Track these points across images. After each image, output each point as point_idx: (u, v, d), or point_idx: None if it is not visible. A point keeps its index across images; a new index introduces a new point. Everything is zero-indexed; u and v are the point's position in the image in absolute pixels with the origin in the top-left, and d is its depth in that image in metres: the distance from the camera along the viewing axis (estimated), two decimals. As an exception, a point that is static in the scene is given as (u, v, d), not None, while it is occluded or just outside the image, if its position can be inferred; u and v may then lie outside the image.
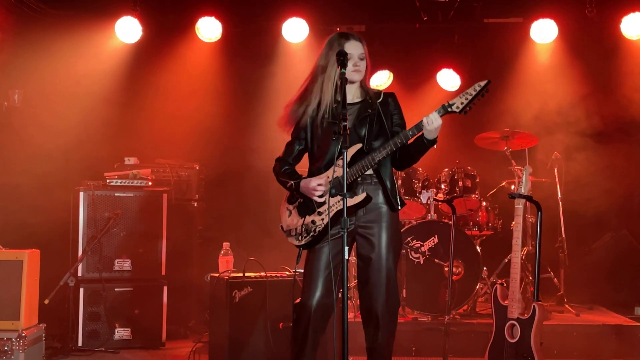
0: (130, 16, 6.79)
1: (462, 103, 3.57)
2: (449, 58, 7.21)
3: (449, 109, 3.58)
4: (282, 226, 3.85)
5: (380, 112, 3.72)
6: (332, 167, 3.62)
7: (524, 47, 7.11)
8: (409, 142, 3.64)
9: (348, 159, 3.63)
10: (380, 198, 3.71)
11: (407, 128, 3.68)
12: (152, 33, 6.97)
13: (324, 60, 3.74)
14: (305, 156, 3.92)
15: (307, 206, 3.73)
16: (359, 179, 3.67)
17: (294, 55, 7.19)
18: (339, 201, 3.62)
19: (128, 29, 6.82)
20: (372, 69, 3.87)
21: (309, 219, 3.71)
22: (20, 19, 6.52)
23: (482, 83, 3.58)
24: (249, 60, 7.25)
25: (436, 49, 7.28)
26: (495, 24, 7.32)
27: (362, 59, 3.72)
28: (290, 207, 3.82)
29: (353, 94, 3.79)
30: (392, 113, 3.76)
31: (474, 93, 3.57)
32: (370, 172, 3.69)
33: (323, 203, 3.64)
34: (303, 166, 3.90)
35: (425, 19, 7.04)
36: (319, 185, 3.64)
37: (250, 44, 7.24)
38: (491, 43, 7.19)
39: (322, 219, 3.64)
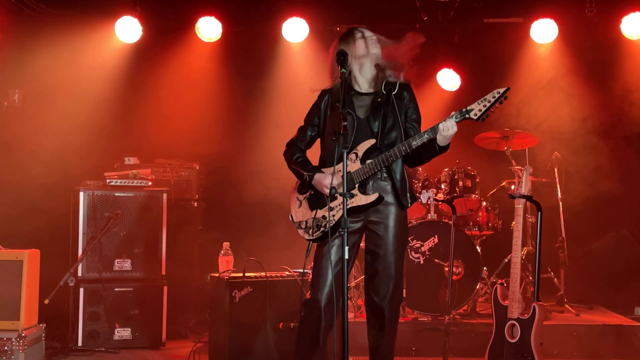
0: (130, 16, 6.79)
1: (480, 110, 3.53)
2: (449, 58, 7.20)
3: (467, 115, 3.54)
4: (291, 216, 3.84)
5: (395, 105, 3.70)
6: (332, 165, 3.61)
7: (524, 47, 7.10)
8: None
9: (361, 154, 3.64)
10: (388, 191, 3.71)
11: (421, 123, 3.69)
12: (152, 33, 6.97)
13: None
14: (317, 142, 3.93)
15: (317, 200, 3.73)
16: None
17: (294, 55, 7.19)
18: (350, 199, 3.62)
19: (128, 29, 6.82)
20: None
21: (320, 213, 3.71)
22: (20, 19, 6.52)
23: (501, 90, 3.53)
24: (249, 60, 7.25)
25: (436, 49, 7.27)
26: (495, 24, 7.31)
27: (373, 42, 3.73)
28: (301, 197, 3.81)
29: (369, 83, 3.79)
30: (407, 107, 3.74)
31: (492, 100, 3.52)
32: None
33: (335, 198, 3.64)
34: (313, 152, 3.90)
35: (425, 19, 7.03)
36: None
37: (250, 44, 7.24)
38: (491, 43, 7.18)
39: (333, 215, 3.63)
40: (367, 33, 3.77)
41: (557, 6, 6.84)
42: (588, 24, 6.78)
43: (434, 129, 3.55)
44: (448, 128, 3.52)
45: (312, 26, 7.03)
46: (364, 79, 3.78)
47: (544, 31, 6.88)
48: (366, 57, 3.74)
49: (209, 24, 6.95)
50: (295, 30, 7.01)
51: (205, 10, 6.93)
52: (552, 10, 6.83)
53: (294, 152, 3.85)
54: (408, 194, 3.74)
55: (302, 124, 3.92)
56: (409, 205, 3.74)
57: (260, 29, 7.19)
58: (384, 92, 3.72)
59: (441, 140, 3.56)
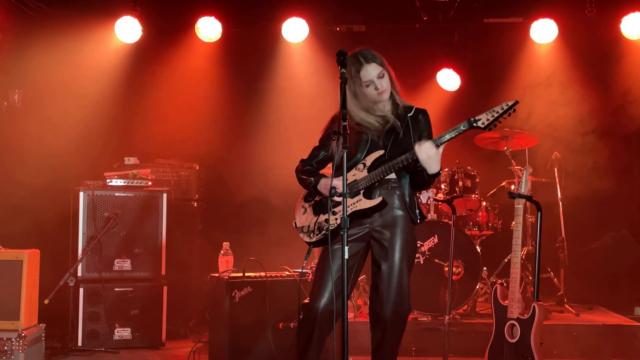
0: (130, 16, 6.79)
1: (487, 120, 3.57)
2: (449, 58, 7.20)
3: (474, 124, 3.58)
4: (295, 223, 3.85)
5: (410, 125, 3.73)
6: (341, 176, 3.59)
7: (524, 47, 7.10)
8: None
9: (369, 164, 3.66)
10: (396, 203, 3.70)
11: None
12: (152, 33, 6.97)
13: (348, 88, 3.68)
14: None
15: (322, 205, 3.74)
16: (376, 183, 3.67)
17: (294, 55, 7.19)
18: (354, 203, 3.63)
19: (128, 29, 6.82)
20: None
21: (322, 217, 3.72)
22: (20, 19, 6.52)
23: (510, 103, 3.58)
24: (249, 60, 7.26)
25: (436, 49, 7.28)
26: (495, 24, 7.31)
27: (381, 77, 3.71)
28: (306, 204, 3.83)
29: (384, 107, 3.80)
30: (422, 130, 3.75)
31: (500, 111, 3.57)
32: (392, 176, 3.68)
33: (339, 203, 3.64)
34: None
35: (425, 19, 7.04)
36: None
37: (250, 44, 7.24)
38: (491, 43, 7.19)
39: (336, 219, 3.63)
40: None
41: (557, 6, 6.84)
42: (588, 24, 6.78)
43: (413, 153, 3.57)
44: (420, 151, 3.51)
45: (312, 26, 7.03)
46: (380, 104, 3.79)
47: (543, 31, 6.89)
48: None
49: (209, 24, 6.95)
50: (295, 30, 7.01)
51: (205, 10, 6.93)
52: (552, 10, 6.83)
53: (305, 165, 3.89)
54: (417, 211, 3.75)
55: (317, 143, 3.92)
56: (418, 220, 3.74)
57: (260, 29, 7.19)
58: (400, 114, 3.75)
59: (425, 165, 3.55)
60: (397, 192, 3.71)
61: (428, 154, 3.54)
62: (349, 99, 3.67)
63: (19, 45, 6.46)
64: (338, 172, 3.58)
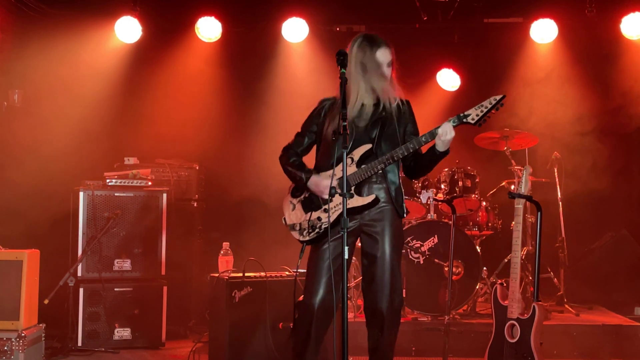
0: (130, 16, 6.80)
1: (477, 115, 3.60)
2: (449, 58, 7.21)
3: (464, 120, 3.60)
4: (284, 219, 3.84)
5: (394, 116, 3.74)
6: (335, 167, 3.60)
7: (524, 47, 7.11)
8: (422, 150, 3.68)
9: (357, 159, 3.66)
10: (383, 196, 3.72)
11: (419, 129, 3.72)
12: (152, 33, 6.97)
13: (355, 61, 3.73)
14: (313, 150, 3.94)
15: (312, 202, 3.74)
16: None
17: (293, 55, 7.20)
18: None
19: (128, 29, 6.83)
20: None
21: (314, 215, 3.72)
22: (20, 19, 6.53)
23: (498, 97, 3.61)
24: (249, 60, 7.26)
25: (436, 49, 7.28)
26: (495, 24, 7.31)
27: (389, 66, 3.77)
28: (295, 201, 3.82)
29: (370, 95, 3.80)
30: (406, 121, 3.78)
31: (489, 106, 3.60)
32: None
33: (330, 200, 3.64)
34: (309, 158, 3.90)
35: (425, 19, 7.04)
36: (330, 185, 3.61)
37: (250, 44, 7.25)
38: (491, 43, 7.19)
39: (329, 217, 3.63)
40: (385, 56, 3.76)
41: (557, 6, 6.84)
42: (588, 24, 6.79)
43: (432, 134, 3.59)
44: (447, 132, 3.56)
45: (312, 26, 7.04)
46: (367, 92, 3.80)
47: (543, 31, 6.89)
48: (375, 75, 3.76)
49: (208, 24, 6.96)
50: (295, 30, 7.01)
51: (205, 10, 6.93)
52: (552, 10, 6.83)
53: (290, 155, 3.86)
54: (404, 205, 3.78)
55: (300, 129, 3.92)
56: (404, 215, 3.77)
57: (260, 29, 7.19)
58: (385, 105, 3.75)
59: (440, 145, 3.61)
60: (383, 186, 3.73)
61: (448, 139, 3.57)
62: (356, 76, 3.70)
63: (19, 45, 6.46)
64: (325, 167, 3.64)
